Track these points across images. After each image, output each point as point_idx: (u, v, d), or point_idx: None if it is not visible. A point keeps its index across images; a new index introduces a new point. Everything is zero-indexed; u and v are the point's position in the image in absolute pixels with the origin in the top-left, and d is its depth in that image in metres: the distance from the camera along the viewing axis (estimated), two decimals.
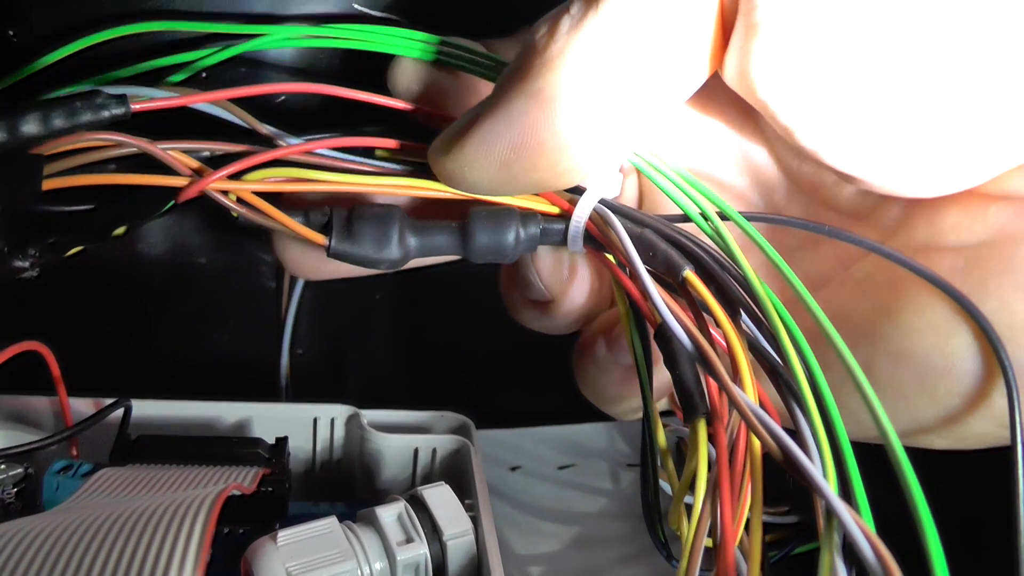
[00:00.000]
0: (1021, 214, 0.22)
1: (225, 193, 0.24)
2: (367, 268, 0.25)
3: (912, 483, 0.17)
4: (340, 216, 0.25)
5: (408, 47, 0.27)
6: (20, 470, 0.27)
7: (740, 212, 0.24)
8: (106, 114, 0.24)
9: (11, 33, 0.29)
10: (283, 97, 0.31)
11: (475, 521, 0.26)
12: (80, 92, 0.24)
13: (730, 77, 0.22)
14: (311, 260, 0.28)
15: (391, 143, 0.26)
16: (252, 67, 0.31)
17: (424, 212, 0.27)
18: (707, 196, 0.24)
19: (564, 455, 0.41)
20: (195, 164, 0.24)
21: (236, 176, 0.24)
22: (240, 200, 0.24)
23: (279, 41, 0.28)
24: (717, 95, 0.25)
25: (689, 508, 0.21)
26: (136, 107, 0.24)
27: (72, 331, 0.35)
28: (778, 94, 0.21)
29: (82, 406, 0.29)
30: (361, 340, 0.41)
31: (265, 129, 0.26)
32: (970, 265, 0.22)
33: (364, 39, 0.27)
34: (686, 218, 0.24)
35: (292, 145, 0.25)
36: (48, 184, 0.23)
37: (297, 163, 0.25)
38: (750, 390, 0.20)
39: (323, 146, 0.25)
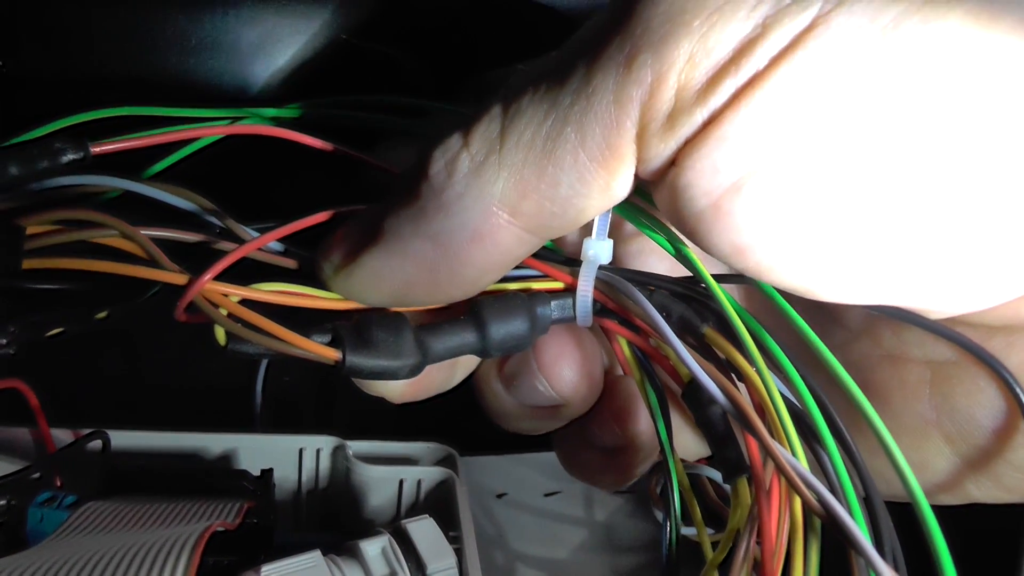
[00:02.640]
0: (985, 342, 0.22)
1: (215, 305, 0.21)
2: (382, 380, 0.23)
3: (938, 540, 0.18)
4: (347, 328, 0.23)
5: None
6: (3, 502, 0.26)
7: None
8: (63, 159, 0.23)
9: (1, 64, 0.30)
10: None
11: (459, 554, 0.26)
12: (36, 138, 0.23)
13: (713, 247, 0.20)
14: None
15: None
16: None
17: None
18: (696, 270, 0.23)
19: (550, 481, 0.41)
20: (176, 267, 0.22)
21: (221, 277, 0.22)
22: (230, 314, 0.21)
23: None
24: None
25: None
26: (96, 150, 0.23)
27: (58, 359, 0.35)
28: (744, 258, 0.20)
29: (65, 437, 0.29)
30: None
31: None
32: (937, 379, 0.23)
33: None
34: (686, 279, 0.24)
35: (271, 232, 0.23)
36: (28, 263, 0.22)
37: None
38: (791, 449, 0.20)
39: (303, 225, 0.23)
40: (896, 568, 0.19)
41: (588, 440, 0.28)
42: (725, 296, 0.22)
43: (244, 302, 0.22)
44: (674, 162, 0.19)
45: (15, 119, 0.28)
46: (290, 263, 0.24)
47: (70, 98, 0.29)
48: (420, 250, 0.21)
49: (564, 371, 0.26)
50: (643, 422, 0.27)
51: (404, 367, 0.23)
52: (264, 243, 0.23)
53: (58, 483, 0.28)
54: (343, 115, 0.29)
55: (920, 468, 0.23)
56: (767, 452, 0.20)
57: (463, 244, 0.21)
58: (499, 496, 0.40)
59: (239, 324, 0.21)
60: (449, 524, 0.28)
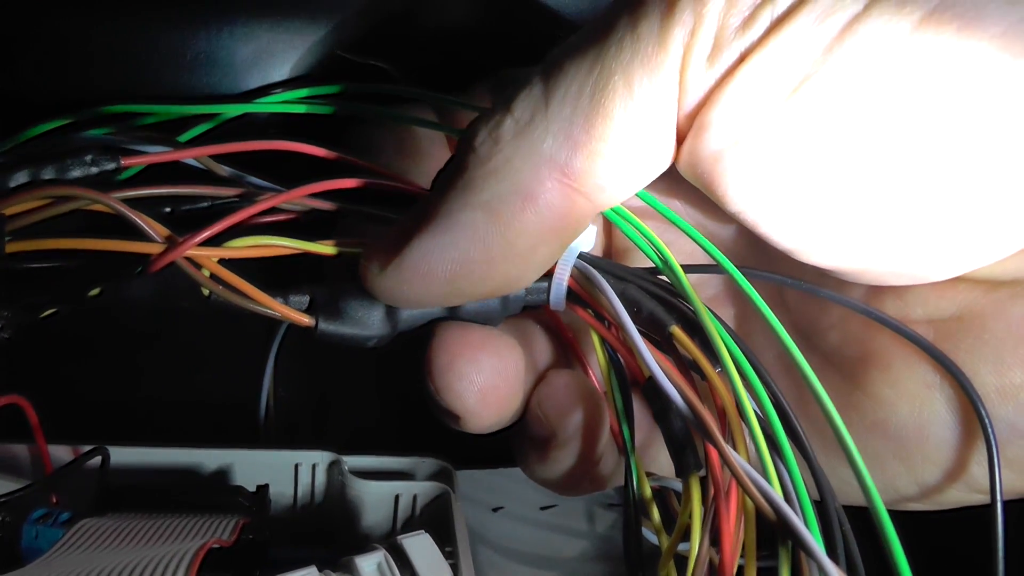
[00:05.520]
0: (988, 294, 0.22)
1: (198, 266, 0.22)
2: (353, 346, 0.24)
3: (895, 545, 0.18)
4: (322, 294, 0.24)
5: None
6: None
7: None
8: (95, 170, 0.23)
9: None
10: None
11: (455, 569, 0.26)
12: (71, 148, 0.24)
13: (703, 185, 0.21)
14: None
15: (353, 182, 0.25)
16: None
17: None
18: (702, 244, 0.24)
19: (546, 495, 0.41)
20: (164, 231, 0.23)
21: (211, 242, 0.23)
22: (214, 276, 0.23)
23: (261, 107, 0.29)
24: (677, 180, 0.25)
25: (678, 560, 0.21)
26: (127, 162, 0.24)
27: (53, 375, 0.35)
28: (753, 206, 0.21)
29: (62, 453, 0.29)
30: (343, 379, 0.42)
31: (225, 171, 0.26)
32: (940, 338, 0.23)
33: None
34: (657, 269, 0.24)
35: (261, 201, 0.24)
36: (12, 247, 0.22)
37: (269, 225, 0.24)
38: (744, 451, 0.20)
39: (300, 194, 0.24)
40: (855, 571, 0.19)
41: (524, 430, 0.26)
42: (699, 299, 0.23)
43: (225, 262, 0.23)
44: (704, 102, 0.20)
45: (9, 136, 0.28)
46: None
47: (65, 114, 0.29)
48: (471, 220, 0.21)
49: (455, 383, 0.24)
50: (575, 414, 0.25)
51: (373, 338, 0.24)
52: (262, 208, 0.24)
53: (53, 500, 0.28)
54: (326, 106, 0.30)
55: (920, 443, 0.22)
56: (720, 455, 0.20)
57: (516, 209, 0.20)
58: (495, 510, 0.40)
59: (220, 286, 0.22)
60: (445, 539, 0.28)
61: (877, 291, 0.24)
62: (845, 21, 0.18)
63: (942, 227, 0.20)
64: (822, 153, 0.20)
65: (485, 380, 0.24)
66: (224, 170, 0.26)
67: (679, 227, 0.24)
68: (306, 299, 0.24)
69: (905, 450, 0.23)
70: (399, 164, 0.28)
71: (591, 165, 0.20)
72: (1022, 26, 0.18)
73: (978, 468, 0.22)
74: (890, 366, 0.23)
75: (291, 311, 0.23)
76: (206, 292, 0.23)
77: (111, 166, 0.24)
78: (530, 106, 0.20)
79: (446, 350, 0.24)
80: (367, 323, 0.24)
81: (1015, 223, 0.20)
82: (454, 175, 0.21)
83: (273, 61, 0.31)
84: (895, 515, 0.18)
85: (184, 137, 0.29)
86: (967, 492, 0.23)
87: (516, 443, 0.27)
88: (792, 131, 0.20)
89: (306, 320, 0.24)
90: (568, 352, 0.28)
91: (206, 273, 0.23)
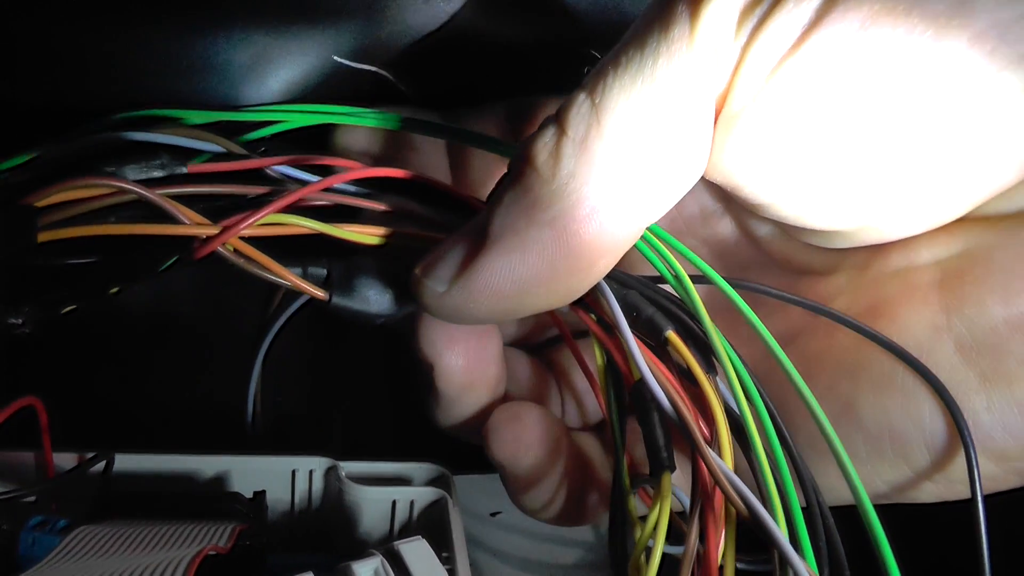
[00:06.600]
0: (990, 228, 0.22)
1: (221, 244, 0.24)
2: (363, 322, 0.25)
3: (882, 541, 0.18)
4: (339, 269, 0.25)
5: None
6: None
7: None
8: (162, 173, 0.25)
9: None
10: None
11: (452, 574, 0.26)
12: (144, 150, 0.25)
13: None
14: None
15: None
16: None
17: None
18: (689, 257, 0.24)
19: None
20: (205, 221, 0.24)
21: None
22: (236, 251, 0.24)
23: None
24: None
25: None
26: (193, 169, 0.26)
27: (55, 382, 0.35)
28: (753, 176, 0.21)
29: (65, 460, 0.29)
30: (341, 384, 0.42)
31: (274, 172, 0.27)
32: (947, 276, 0.23)
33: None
34: (662, 279, 0.24)
35: (299, 189, 0.25)
36: (44, 236, 0.23)
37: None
38: (729, 457, 0.21)
39: (335, 181, 0.26)
40: (839, 571, 0.19)
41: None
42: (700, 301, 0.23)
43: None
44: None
45: (6, 144, 0.28)
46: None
47: (63, 122, 0.29)
48: (538, 238, 0.21)
49: (429, 329, 0.26)
50: (527, 451, 0.27)
51: (381, 316, 0.26)
52: (291, 200, 0.25)
53: (53, 507, 0.28)
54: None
55: (932, 394, 0.22)
56: (701, 456, 0.21)
57: (581, 222, 0.21)
58: (493, 515, 0.40)
59: (243, 259, 0.24)
60: (442, 544, 0.28)
61: (880, 253, 0.24)
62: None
63: (933, 176, 0.21)
64: (814, 114, 0.20)
65: (459, 331, 0.26)
66: (274, 171, 0.27)
67: (667, 242, 0.24)
68: (323, 272, 0.25)
69: (916, 404, 0.22)
70: (393, 156, 0.30)
71: (650, 171, 0.21)
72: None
73: (987, 416, 0.21)
74: (896, 315, 0.23)
75: (306, 284, 0.25)
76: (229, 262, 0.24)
77: (181, 170, 0.26)
78: (583, 122, 0.21)
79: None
80: (379, 301, 0.25)
81: (1007, 156, 0.20)
82: (518, 194, 0.22)
83: (270, 67, 0.31)
84: (882, 513, 0.19)
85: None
86: (985, 461, 0.22)
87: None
88: (786, 95, 0.20)
89: (320, 294, 0.25)
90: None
91: (230, 248, 0.24)
